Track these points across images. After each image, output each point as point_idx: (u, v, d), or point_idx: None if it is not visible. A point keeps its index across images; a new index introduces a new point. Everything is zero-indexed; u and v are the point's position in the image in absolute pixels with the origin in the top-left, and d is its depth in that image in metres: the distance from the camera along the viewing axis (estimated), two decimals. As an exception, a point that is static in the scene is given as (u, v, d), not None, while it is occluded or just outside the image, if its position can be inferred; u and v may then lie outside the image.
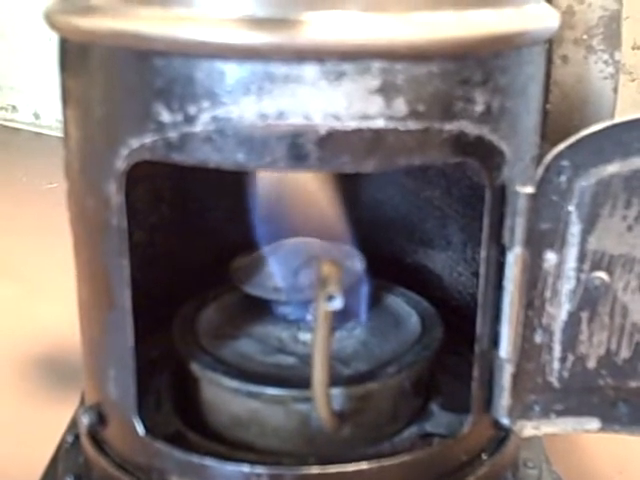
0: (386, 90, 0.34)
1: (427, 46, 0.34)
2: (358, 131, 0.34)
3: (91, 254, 0.39)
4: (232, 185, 0.55)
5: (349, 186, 0.56)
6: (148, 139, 0.35)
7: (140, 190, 0.51)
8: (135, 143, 0.35)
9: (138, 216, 0.51)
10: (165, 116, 0.34)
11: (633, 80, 1.13)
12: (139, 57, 0.34)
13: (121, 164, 0.36)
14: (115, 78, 0.35)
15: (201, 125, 0.34)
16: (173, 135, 0.34)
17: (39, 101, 1.45)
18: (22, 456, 0.56)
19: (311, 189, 0.51)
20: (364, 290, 0.48)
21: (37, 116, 1.47)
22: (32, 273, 0.86)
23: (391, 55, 0.33)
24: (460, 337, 0.47)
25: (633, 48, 1.11)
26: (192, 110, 0.34)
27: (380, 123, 0.34)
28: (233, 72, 0.33)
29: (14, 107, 1.49)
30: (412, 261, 0.57)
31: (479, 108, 0.36)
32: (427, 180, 0.55)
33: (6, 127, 1.48)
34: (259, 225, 0.48)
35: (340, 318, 0.47)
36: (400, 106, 0.34)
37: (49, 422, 0.53)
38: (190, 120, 0.34)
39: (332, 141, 0.34)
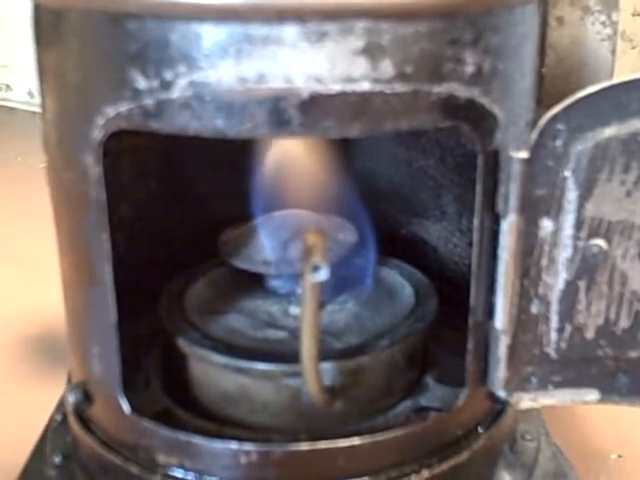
0: (371, 51, 0.32)
1: (414, 4, 0.32)
2: (342, 94, 0.32)
3: (71, 229, 0.38)
4: (221, 157, 0.53)
5: (341, 156, 0.54)
6: (124, 107, 0.33)
7: (126, 164, 0.50)
8: (111, 111, 0.34)
9: (125, 190, 0.50)
10: (141, 82, 0.33)
11: (634, 47, 1.11)
12: (112, 21, 0.33)
13: (98, 134, 0.35)
14: (89, 44, 0.34)
15: (178, 91, 0.32)
16: (149, 102, 0.33)
17: (33, 80, 1.44)
18: (12, 435, 0.56)
19: (304, 160, 0.49)
20: (359, 262, 0.47)
21: (32, 95, 1.45)
22: (27, 253, 0.86)
23: (376, 14, 0.32)
24: (456, 309, 0.46)
25: (633, 15, 1.09)
26: (168, 75, 0.32)
27: (365, 86, 0.33)
28: (210, 34, 0.32)
29: (8, 86, 1.48)
30: (406, 232, 0.56)
31: (469, 69, 0.34)
32: (421, 149, 0.54)
33: (0, 106, 1.46)
34: (251, 197, 0.47)
35: (338, 290, 0.46)
36: (386, 68, 0.33)
37: (40, 401, 0.52)
38: (166, 86, 0.32)
39: (315, 105, 0.32)
